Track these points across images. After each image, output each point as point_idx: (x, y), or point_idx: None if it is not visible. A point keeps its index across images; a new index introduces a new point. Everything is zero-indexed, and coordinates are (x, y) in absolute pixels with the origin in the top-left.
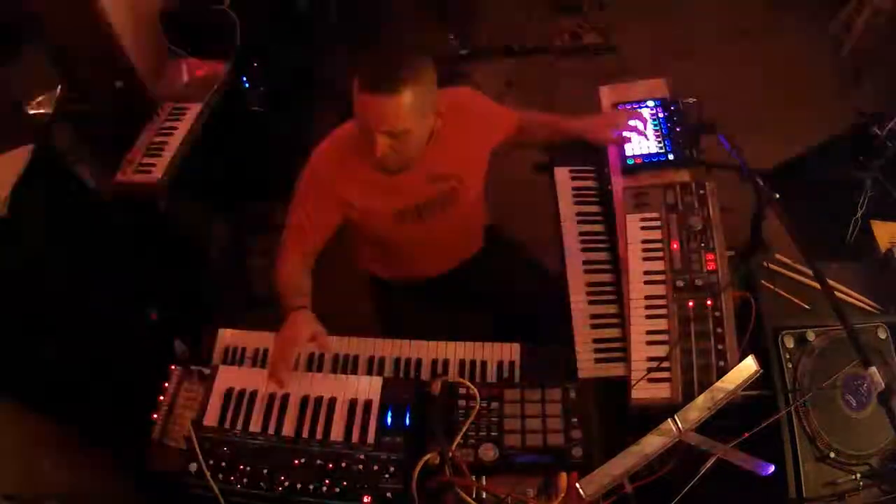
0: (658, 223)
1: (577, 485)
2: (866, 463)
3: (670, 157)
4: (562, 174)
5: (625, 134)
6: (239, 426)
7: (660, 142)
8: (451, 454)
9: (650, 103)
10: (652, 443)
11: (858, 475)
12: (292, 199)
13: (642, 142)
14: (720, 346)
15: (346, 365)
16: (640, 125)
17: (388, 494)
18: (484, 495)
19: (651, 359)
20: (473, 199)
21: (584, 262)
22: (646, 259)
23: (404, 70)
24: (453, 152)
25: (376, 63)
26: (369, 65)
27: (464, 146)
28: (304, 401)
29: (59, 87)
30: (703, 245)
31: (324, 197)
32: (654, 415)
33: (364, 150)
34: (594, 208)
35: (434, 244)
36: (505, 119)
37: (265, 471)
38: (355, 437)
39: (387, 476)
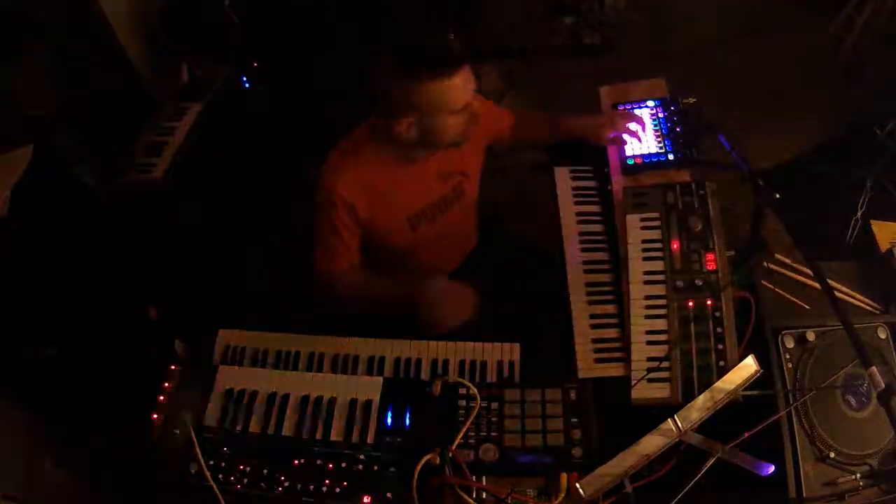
0: (658, 223)
1: (577, 485)
2: (866, 463)
3: (670, 157)
4: (562, 174)
5: (623, 136)
6: (239, 426)
7: (660, 142)
8: (451, 454)
9: (650, 103)
10: (652, 443)
11: (858, 475)
12: (316, 227)
13: (642, 142)
14: (720, 346)
15: (346, 365)
16: (638, 129)
17: (388, 494)
18: (484, 495)
19: (651, 359)
20: (475, 192)
21: (584, 262)
22: (646, 259)
23: (455, 45)
24: (456, 149)
25: (428, 49)
26: (422, 53)
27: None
28: (304, 401)
29: (60, 87)
30: (703, 245)
31: (349, 218)
32: (654, 415)
33: (396, 151)
34: (594, 208)
35: (444, 244)
36: (501, 117)
37: (265, 471)
38: (355, 437)
39: (387, 476)
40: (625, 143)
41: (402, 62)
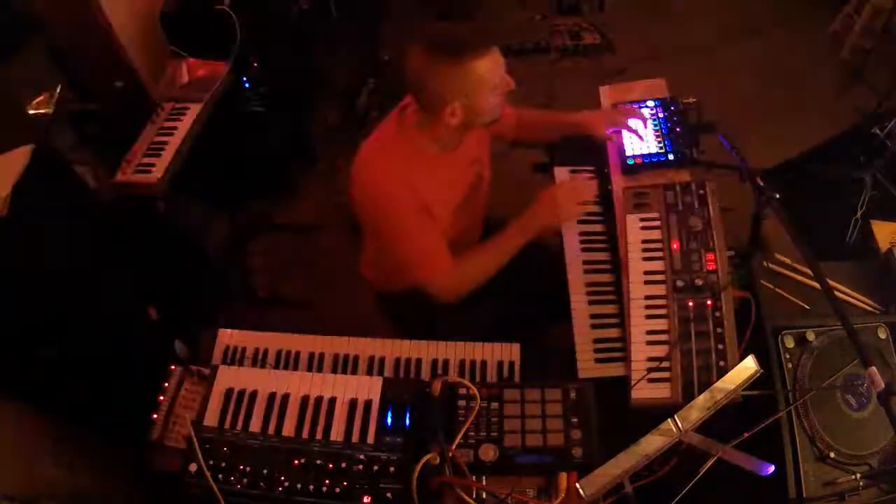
0: (658, 223)
1: (577, 485)
2: (866, 463)
3: (670, 157)
4: (562, 174)
5: (623, 133)
6: (239, 426)
7: (660, 142)
8: (451, 454)
9: (650, 103)
10: (652, 443)
11: (858, 475)
12: (403, 240)
13: (643, 139)
14: (720, 346)
15: (346, 365)
16: (640, 126)
17: (388, 494)
18: (484, 495)
19: (651, 359)
20: (489, 178)
21: (584, 262)
22: (646, 259)
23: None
24: (475, 136)
25: (465, 30)
26: (460, 35)
27: (477, 130)
28: (304, 401)
29: (59, 87)
30: (703, 245)
31: (426, 212)
32: (654, 415)
33: (445, 144)
34: (594, 208)
35: (467, 233)
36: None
37: (265, 471)
38: (355, 437)
39: (387, 476)
40: (621, 140)
41: (443, 49)
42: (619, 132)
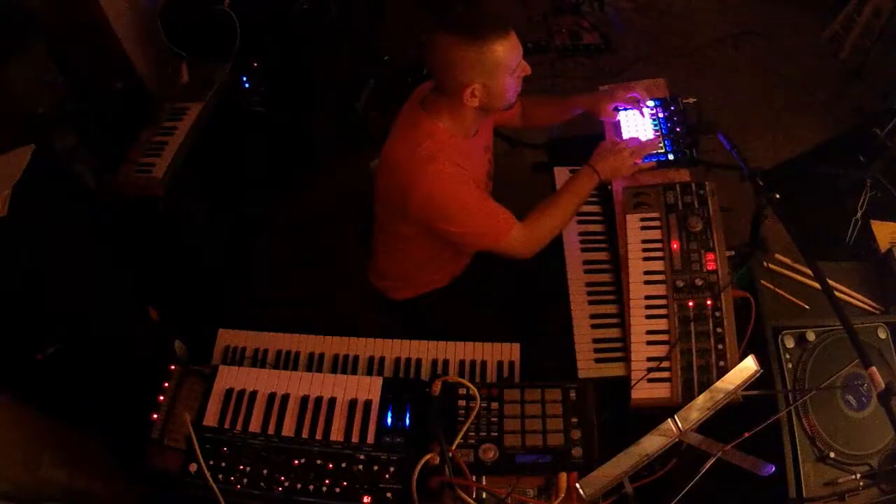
0: (658, 223)
1: (577, 485)
2: (866, 463)
3: (670, 157)
4: (562, 174)
5: (622, 130)
6: (239, 426)
7: (660, 142)
8: (451, 454)
9: (650, 103)
10: (652, 443)
11: (858, 475)
12: (459, 208)
13: (643, 115)
14: (720, 346)
15: (346, 365)
16: (638, 105)
17: (388, 494)
18: (484, 495)
19: (651, 359)
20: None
21: (584, 262)
22: (646, 259)
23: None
24: (486, 124)
25: (485, 12)
26: (481, 16)
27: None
28: (304, 401)
29: (59, 87)
30: (703, 245)
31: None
32: (654, 415)
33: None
34: (594, 208)
35: None
36: None
37: (265, 471)
38: (355, 437)
39: (387, 476)
40: (621, 134)
41: (465, 30)
42: (619, 128)
